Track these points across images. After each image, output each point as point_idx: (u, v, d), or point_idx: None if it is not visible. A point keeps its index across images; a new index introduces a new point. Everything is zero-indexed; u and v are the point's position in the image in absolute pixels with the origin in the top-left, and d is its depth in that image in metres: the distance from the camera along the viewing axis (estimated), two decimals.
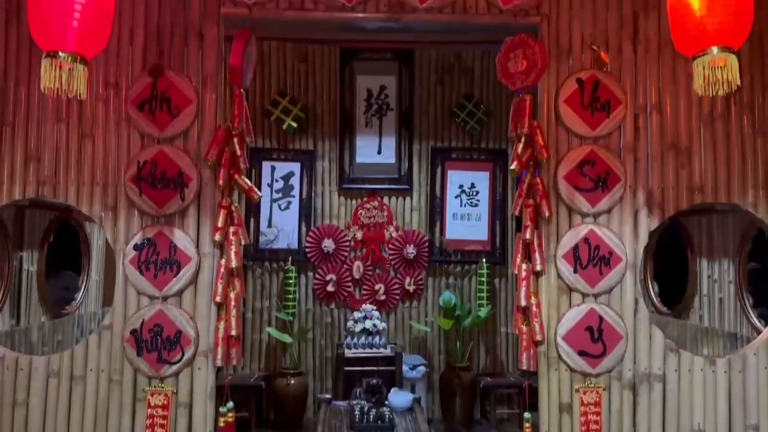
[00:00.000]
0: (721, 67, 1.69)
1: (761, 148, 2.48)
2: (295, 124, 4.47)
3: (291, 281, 4.38)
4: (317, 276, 4.51)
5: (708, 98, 2.40)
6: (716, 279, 3.64)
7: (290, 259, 4.42)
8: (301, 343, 4.38)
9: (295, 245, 4.49)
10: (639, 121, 2.45)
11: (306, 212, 4.53)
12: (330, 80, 4.55)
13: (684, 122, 2.45)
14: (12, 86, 2.37)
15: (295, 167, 4.53)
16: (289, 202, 4.51)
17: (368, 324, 4.28)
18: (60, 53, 1.66)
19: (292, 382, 4.19)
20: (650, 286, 4.33)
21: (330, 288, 4.50)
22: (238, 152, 2.40)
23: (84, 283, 4.07)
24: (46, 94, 2.22)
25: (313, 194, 4.56)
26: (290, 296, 4.36)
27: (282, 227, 4.46)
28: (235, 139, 2.38)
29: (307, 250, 4.49)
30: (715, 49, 1.70)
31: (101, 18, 1.72)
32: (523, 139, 2.43)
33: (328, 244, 4.50)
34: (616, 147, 2.44)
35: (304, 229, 4.51)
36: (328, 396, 4.01)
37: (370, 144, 4.58)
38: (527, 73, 2.41)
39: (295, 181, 4.53)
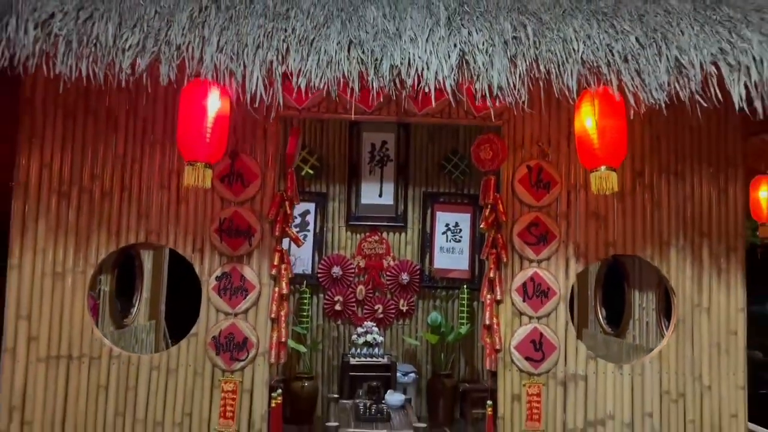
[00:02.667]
0: (606, 179, 2.81)
1: (656, 216, 3.62)
2: (311, 171, 5.58)
3: (305, 301, 5.46)
4: (327, 297, 5.60)
5: (621, 178, 3.55)
6: (644, 307, 4.78)
7: (305, 282, 5.51)
8: (312, 353, 5.46)
9: (309, 271, 5.58)
10: (570, 196, 3.57)
11: (319, 244, 5.64)
12: (341, 136, 5.68)
13: (602, 197, 3.56)
14: (129, 162, 3.44)
15: (311, 206, 5.63)
16: (305, 236, 5.59)
17: (369, 337, 5.36)
18: (197, 162, 2.75)
19: (306, 384, 5.25)
20: (599, 312, 5.47)
21: (337, 307, 5.59)
22: (288, 212, 3.49)
23: (137, 301, 5.12)
24: (156, 171, 3.32)
25: (325, 229, 5.67)
26: (305, 313, 5.44)
27: (299, 256, 5.54)
28: (287, 203, 3.48)
29: (319, 275, 5.59)
30: (603, 168, 2.82)
31: (221, 137, 2.80)
32: (489, 207, 3.56)
33: (337, 271, 5.61)
34: (554, 214, 3.56)
35: (317, 258, 5.61)
36: (336, 395, 5.08)
37: (373, 188, 5.71)
38: (492, 161, 3.55)
39: (310, 218, 5.63)
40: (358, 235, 5.71)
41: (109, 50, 2.48)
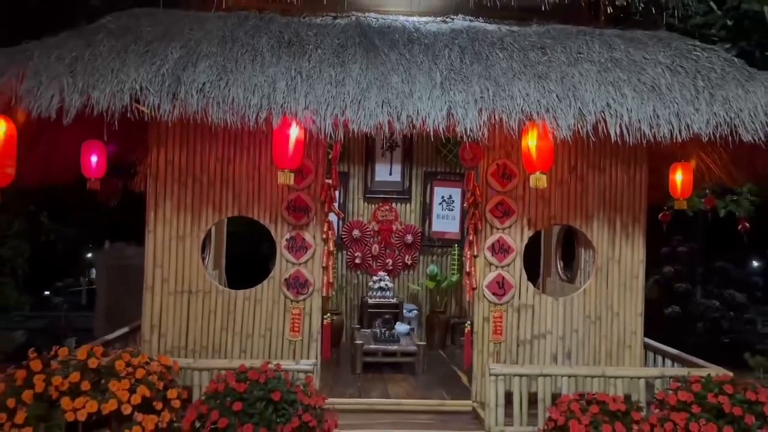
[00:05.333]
0: (539, 179, 4.67)
1: (584, 198, 5.51)
2: None
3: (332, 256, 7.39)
4: (348, 253, 7.56)
5: (560, 172, 5.43)
6: (587, 261, 6.71)
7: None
8: (338, 295, 7.45)
9: (335, 233, 7.50)
10: (525, 184, 5.42)
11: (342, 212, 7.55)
12: None
13: (548, 185, 5.42)
14: (226, 161, 5.29)
15: None
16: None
17: (382, 284, 7.34)
18: (285, 170, 4.59)
19: (334, 318, 7.23)
20: (558, 264, 7.42)
21: (357, 261, 7.55)
22: (333, 195, 5.38)
23: (207, 255, 7.04)
24: (243, 171, 5.18)
25: (347, 200, 7.57)
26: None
27: None
28: (332, 189, 5.37)
29: (342, 236, 7.53)
30: (538, 172, 4.68)
31: (299, 153, 4.64)
32: (470, 192, 5.45)
33: (356, 233, 7.54)
34: (514, 197, 5.45)
35: (341, 223, 7.53)
36: (358, 326, 7.09)
37: (385, 169, 7.60)
38: (473, 160, 5.42)
39: (336, 192, 7.52)
40: (372, 205, 7.65)
41: (240, 107, 4.28)
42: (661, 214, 8.71)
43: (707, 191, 9.11)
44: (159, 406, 4.17)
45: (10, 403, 3.90)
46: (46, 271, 12.46)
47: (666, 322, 12.12)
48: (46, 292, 16.59)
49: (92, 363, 4.11)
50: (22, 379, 4.01)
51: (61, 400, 3.93)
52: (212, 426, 3.97)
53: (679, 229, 12.38)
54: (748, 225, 9.93)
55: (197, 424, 4.11)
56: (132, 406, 3.99)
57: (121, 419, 3.98)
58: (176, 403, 4.28)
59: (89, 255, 17.77)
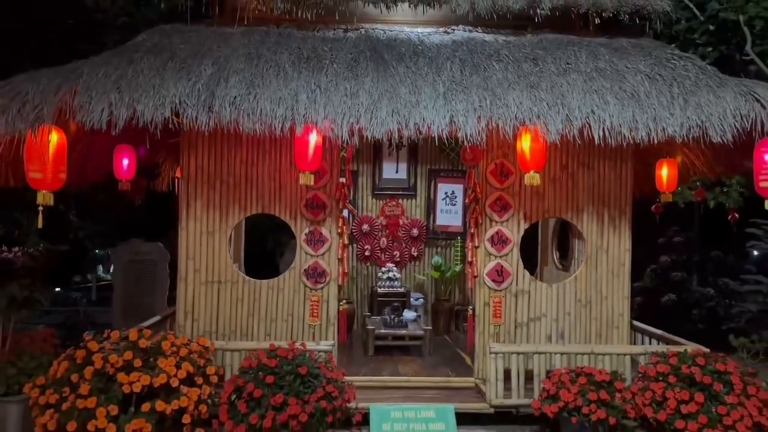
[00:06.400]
0: (533, 178, 5.31)
1: (575, 193, 6.15)
2: (346, 155, 8.07)
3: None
4: (359, 246, 8.21)
5: (553, 169, 6.08)
6: (580, 250, 7.36)
7: None
8: (350, 285, 8.10)
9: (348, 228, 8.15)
10: (521, 181, 6.07)
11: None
12: None
13: (542, 182, 6.06)
14: (250, 166, 5.94)
15: None
16: None
17: (390, 274, 8.00)
18: (306, 171, 5.24)
19: (346, 306, 7.90)
20: (554, 254, 8.07)
21: (367, 253, 8.21)
22: (346, 193, 6.03)
23: (228, 249, 7.69)
24: (263, 172, 5.84)
25: (357, 197, 8.22)
26: None
27: None
28: (346, 188, 6.01)
29: (353, 230, 8.18)
30: (532, 171, 5.32)
31: (318, 157, 5.28)
32: (471, 189, 6.10)
33: (366, 227, 8.20)
34: (511, 192, 6.09)
35: (351, 218, 8.18)
36: (368, 314, 7.75)
37: (392, 167, 8.24)
38: (473, 160, 6.07)
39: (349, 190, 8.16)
40: (380, 201, 8.33)
41: (267, 117, 4.92)
42: (653, 206, 9.34)
43: (698, 183, 9.75)
44: (199, 380, 4.83)
45: (74, 378, 4.57)
46: (64, 267, 13.11)
47: (663, 309, 12.79)
48: (57, 289, 17.28)
49: (142, 343, 4.78)
50: (81, 358, 4.68)
51: (117, 375, 4.59)
52: (248, 396, 4.64)
53: (675, 219, 13.02)
54: (737, 216, 10.56)
55: (233, 397, 4.79)
56: (179, 380, 4.66)
57: (170, 391, 4.65)
58: (214, 379, 4.95)
59: (99, 252, 18.43)
